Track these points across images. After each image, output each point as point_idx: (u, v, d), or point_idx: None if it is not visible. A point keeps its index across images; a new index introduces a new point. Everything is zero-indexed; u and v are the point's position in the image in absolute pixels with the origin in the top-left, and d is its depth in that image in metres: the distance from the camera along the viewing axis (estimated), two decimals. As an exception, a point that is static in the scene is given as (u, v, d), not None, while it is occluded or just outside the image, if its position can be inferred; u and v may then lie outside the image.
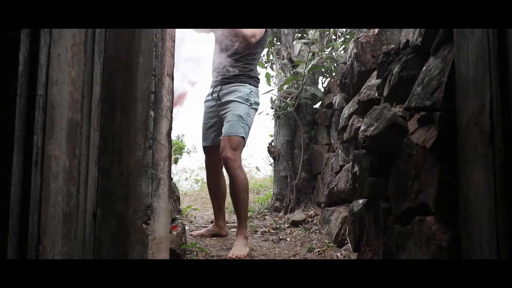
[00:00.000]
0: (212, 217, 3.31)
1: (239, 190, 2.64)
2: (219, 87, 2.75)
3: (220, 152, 2.67)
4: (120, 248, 1.29)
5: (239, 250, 2.44)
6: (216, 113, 2.81)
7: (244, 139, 2.66)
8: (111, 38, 1.34)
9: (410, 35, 1.43)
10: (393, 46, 1.80)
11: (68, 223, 0.98)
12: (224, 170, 2.85)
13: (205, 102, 2.92)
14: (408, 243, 1.19)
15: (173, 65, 1.66)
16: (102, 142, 1.28)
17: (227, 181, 2.84)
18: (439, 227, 1.03)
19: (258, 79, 2.84)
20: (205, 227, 3.27)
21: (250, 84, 2.74)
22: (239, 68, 2.73)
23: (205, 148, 2.90)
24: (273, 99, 4.21)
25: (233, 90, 2.70)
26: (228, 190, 2.84)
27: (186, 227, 2.83)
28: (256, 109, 2.79)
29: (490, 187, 0.80)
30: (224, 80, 2.74)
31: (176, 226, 2.15)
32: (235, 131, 2.63)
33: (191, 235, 2.92)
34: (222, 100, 2.73)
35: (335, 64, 3.76)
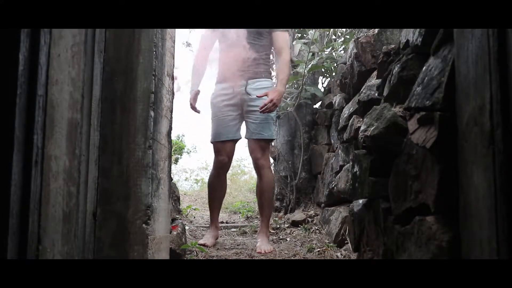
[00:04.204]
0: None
1: (266, 189, 2.72)
2: (244, 81, 2.72)
3: (250, 152, 2.75)
4: (120, 248, 1.29)
5: (265, 245, 2.55)
6: (239, 106, 2.75)
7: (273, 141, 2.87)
8: (111, 38, 1.34)
9: (410, 35, 1.43)
10: (393, 46, 1.80)
11: (68, 223, 0.98)
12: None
13: (217, 96, 2.82)
14: (408, 243, 1.19)
15: (173, 65, 1.66)
16: (102, 142, 1.28)
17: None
18: (439, 227, 1.03)
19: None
20: (206, 227, 3.27)
21: (271, 80, 2.86)
22: (263, 66, 2.79)
23: (222, 144, 2.73)
24: (273, 99, 4.20)
25: (261, 86, 2.72)
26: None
27: (186, 227, 2.82)
28: None
29: (490, 187, 0.80)
30: (250, 75, 2.73)
31: (176, 226, 2.15)
32: (269, 134, 2.72)
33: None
34: (252, 95, 2.69)
35: (335, 64, 3.76)
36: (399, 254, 1.27)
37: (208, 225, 3.22)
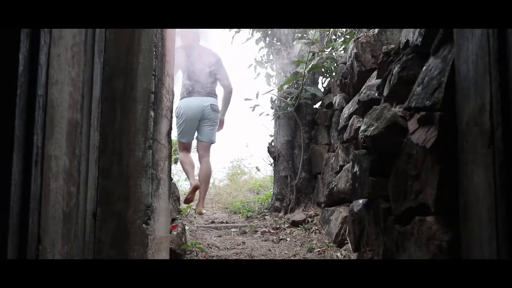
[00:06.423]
0: (212, 216, 3.72)
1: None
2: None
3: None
4: (120, 248, 1.29)
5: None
6: None
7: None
8: (111, 38, 1.34)
9: (410, 35, 1.43)
10: (393, 46, 1.80)
11: (68, 223, 0.98)
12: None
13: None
14: (408, 243, 1.19)
15: (173, 65, 1.66)
16: (102, 142, 1.28)
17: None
18: (439, 227, 1.03)
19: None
20: (206, 227, 3.28)
21: None
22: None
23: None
24: (273, 99, 4.20)
25: None
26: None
27: (186, 227, 2.83)
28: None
29: (490, 187, 0.80)
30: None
31: (176, 226, 2.15)
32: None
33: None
34: None
35: (335, 64, 3.76)
36: (399, 254, 1.27)
37: (208, 225, 3.36)
